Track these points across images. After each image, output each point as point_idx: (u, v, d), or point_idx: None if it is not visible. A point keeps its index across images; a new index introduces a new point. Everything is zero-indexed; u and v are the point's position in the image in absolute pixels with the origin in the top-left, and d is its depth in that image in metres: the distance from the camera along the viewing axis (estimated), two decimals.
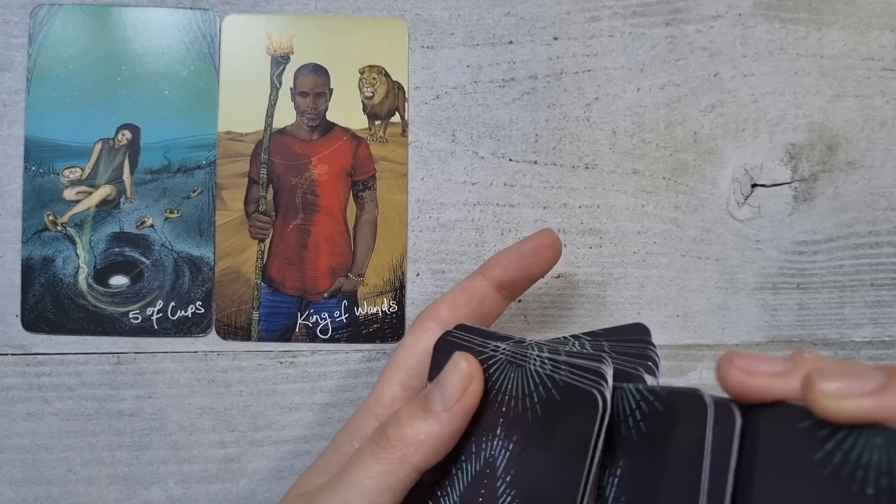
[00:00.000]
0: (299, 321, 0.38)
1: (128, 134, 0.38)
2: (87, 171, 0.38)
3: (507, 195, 0.39)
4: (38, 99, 0.38)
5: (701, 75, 0.39)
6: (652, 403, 0.22)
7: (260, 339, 0.38)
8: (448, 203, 0.39)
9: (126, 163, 0.38)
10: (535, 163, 0.39)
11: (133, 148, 0.38)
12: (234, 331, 0.38)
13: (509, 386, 0.26)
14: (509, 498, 0.25)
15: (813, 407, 0.17)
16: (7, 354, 0.38)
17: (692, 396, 0.20)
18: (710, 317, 0.40)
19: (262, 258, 0.38)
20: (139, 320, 0.38)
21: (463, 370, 0.26)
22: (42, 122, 0.38)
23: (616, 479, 0.23)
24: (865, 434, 0.17)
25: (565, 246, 0.39)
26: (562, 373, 0.24)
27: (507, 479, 0.25)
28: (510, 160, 0.39)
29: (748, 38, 0.39)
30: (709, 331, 0.40)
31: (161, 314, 0.38)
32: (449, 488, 0.27)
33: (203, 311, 0.38)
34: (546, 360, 0.25)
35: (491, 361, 0.27)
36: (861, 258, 0.40)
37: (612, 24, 0.39)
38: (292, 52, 0.38)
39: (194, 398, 0.38)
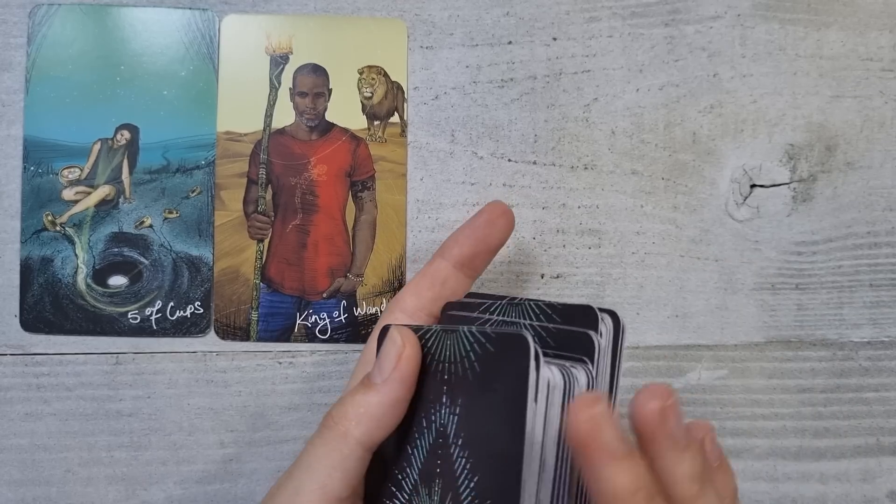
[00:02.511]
0: (298, 321, 0.38)
1: (127, 134, 0.38)
2: (86, 171, 0.38)
3: (506, 195, 0.39)
4: (37, 99, 0.38)
5: (700, 76, 0.39)
6: (484, 345, 0.25)
7: (259, 340, 0.38)
8: (447, 203, 0.39)
9: (125, 163, 0.38)
10: (534, 163, 0.39)
11: (132, 148, 0.38)
12: (232, 331, 0.38)
13: (447, 353, 0.26)
14: (463, 460, 0.25)
15: None
16: (6, 355, 0.38)
17: (518, 337, 0.23)
18: (708, 317, 0.40)
19: (261, 258, 0.38)
20: (138, 320, 0.38)
21: (395, 339, 0.27)
22: (41, 122, 0.38)
23: (456, 417, 0.26)
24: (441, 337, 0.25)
25: (564, 247, 0.39)
26: (489, 328, 0.25)
27: (459, 442, 0.25)
28: (509, 160, 0.39)
29: (747, 38, 0.40)
30: (708, 331, 0.40)
31: (160, 314, 0.38)
32: (408, 469, 0.27)
33: (202, 311, 0.38)
34: (474, 328, 0.26)
35: (428, 335, 0.27)
36: (860, 258, 0.40)
37: (611, 25, 0.39)
38: (291, 53, 0.38)
39: (193, 398, 0.38)
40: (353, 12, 0.39)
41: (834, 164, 0.40)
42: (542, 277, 0.39)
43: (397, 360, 0.26)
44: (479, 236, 0.32)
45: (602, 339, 0.27)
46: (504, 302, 0.30)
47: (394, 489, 0.28)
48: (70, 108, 0.38)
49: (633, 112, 0.39)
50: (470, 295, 0.33)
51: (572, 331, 0.26)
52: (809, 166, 0.40)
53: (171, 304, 0.38)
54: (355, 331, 0.38)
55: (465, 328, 0.25)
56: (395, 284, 0.39)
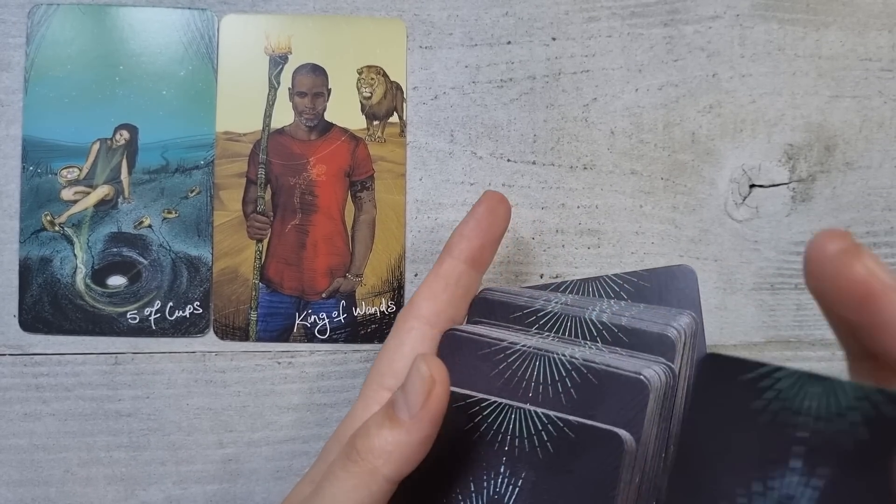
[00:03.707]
0: (297, 321, 0.38)
1: (126, 134, 0.38)
2: (85, 171, 0.38)
3: (505, 195, 0.39)
4: (36, 99, 0.38)
5: (699, 76, 0.39)
6: (562, 430, 0.25)
7: (258, 340, 0.38)
8: (446, 203, 0.39)
9: (124, 163, 0.38)
10: (534, 163, 0.39)
11: (131, 148, 0.38)
12: (231, 331, 0.38)
13: (511, 427, 0.26)
14: None
15: None
16: (5, 355, 0.37)
17: (610, 434, 0.24)
18: (707, 317, 0.40)
19: (261, 258, 0.38)
20: (137, 320, 0.38)
21: (424, 374, 0.26)
22: (40, 122, 0.38)
23: (517, 489, 0.26)
24: (801, 382, 0.19)
25: (563, 247, 0.39)
26: (572, 418, 0.26)
27: None
28: (508, 160, 0.39)
29: (746, 38, 0.40)
30: (707, 331, 0.40)
31: (159, 314, 0.38)
32: None
33: (201, 311, 0.38)
34: (552, 414, 0.27)
35: (485, 405, 0.27)
36: None
37: (611, 25, 0.39)
38: (290, 52, 0.38)
39: (192, 398, 0.38)
40: (352, 12, 0.39)
41: (833, 164, 0.40)
42: (542, 277, 0.39)
43: (426, 397, 0.25)
44: (483, 227, 0.31)
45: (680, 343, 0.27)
46: (555, 312, 0.29)
47: None
48: (69, 107, 0.38)
49: (633, 112, 0.39)
50: (489, 292, 0.32)
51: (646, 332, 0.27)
52: (808, 166, 0.40)
53: (170, 304, 0.38)
54: (354, 331, 0.38)
55: (541, 411, 0.26)
56: (394, 284, 0.39)
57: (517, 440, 0.26)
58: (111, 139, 0.38)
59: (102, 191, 0.38)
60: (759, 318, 0.40)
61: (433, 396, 0.25)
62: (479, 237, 0.31)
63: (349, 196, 0.39)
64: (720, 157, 0.39)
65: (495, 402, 0.27)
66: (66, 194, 0.38)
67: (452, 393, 0.27)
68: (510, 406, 0.27)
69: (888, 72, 0.40)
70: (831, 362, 0.40)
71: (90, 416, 0.38)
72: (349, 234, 0.39)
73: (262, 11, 0.38)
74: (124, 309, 0.38)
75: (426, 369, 0.26)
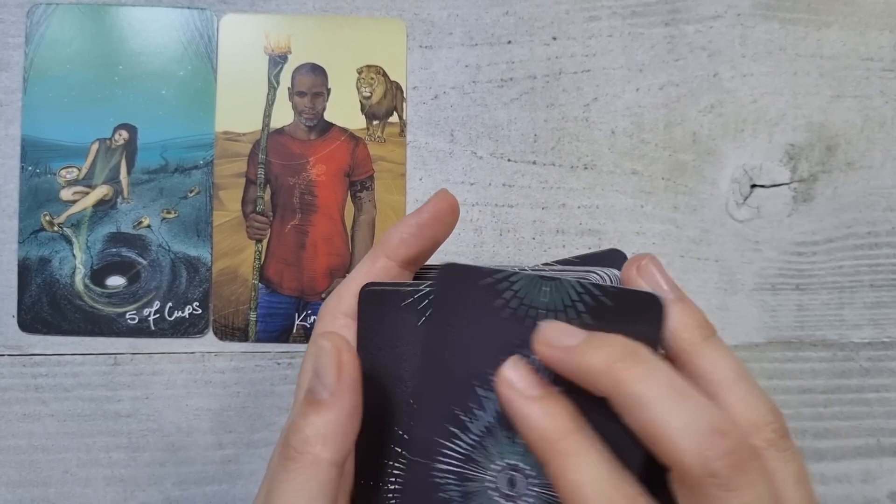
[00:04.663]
0: (297, 322, 0.38)
1: (125, 134, 0.38)
2: (84, 171, 0.38)
3: (505, 195, 0.39)
4: (35, 98, 0.38)
5: (700, 75, 0.39)
6: (598, 298, 0.25)
7: (257, 340, 0.38)
8: None
9: (123, 163, 0.38)
10: (534, 163, 0.39)
11: (130, 148, 0.38)
12: (231, 332, 0.38)
13: (543, 300, 0.26)
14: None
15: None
16: (3, 355, 0.37)
17: (649, 297, 0.25)
18: (709, 317, 0.39)
19: (260, 259, 0.38)
20: (136, 321, 0.38)
21: (326, 348, 0.25)
22: (39, 121, 0.37)
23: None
24: (534, 283, 0.25)
25: (563, 247, 0.39)
26: (605, 286, 0.26)
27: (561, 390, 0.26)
28: (509, 160, 0.39)
29: (747, 38, 0.39)
30: None
31: (158, 315, 0.38)
32: (476, 411, 0.26)
33: (200, 311, 0.38)
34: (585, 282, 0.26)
35: (514, 278, 0.26)
36: (860, 259, 0.40)
37: (611, 24, 0.39)
38: (290, 52, 0.38)
39: (191, 399, 0.38)
40: (352, 12, 0.39)
41: (834, 164, 0.40)
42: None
43: (338, 369, 0.25)
44: (427, 236, 0.30)
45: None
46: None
47: (440, 439, 0.26)
48: (68, 107, 0.38)
49: (633, 112, 0.39)
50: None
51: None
52: (810, 166, 0.40)
53: (170, 304, 0.38)
54: None
55: (574, 280, 0.25)
56: None
57: (552, 315, 0.25)
58: (110, 139, 0.38)
59: (101, 191, 0.38)
60: (761, 319, 0.39)
61: (344, 364, 0.25)
62: (419, 246, 0.30)
63: (349, 196, 0.39)
64: (721, 156, 0.39)
65: (527, 274, 0.26)
66: (65, 194, 0.38)
67: (478, 269, 0.26)
68: (541, 278, 0.26)
69: (889, 71, 0.40)
70: (833, 363, 0.40)
71: (89, 417, 0.38)
72: (349, 234, 0.38)
73: (261, 11, 0.38)
74: (123, 309, 0.38)
75: (327, 343, 0.25)
